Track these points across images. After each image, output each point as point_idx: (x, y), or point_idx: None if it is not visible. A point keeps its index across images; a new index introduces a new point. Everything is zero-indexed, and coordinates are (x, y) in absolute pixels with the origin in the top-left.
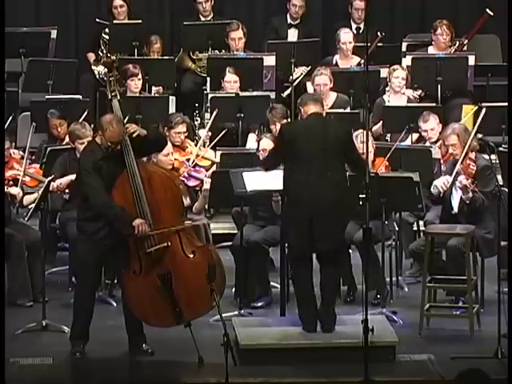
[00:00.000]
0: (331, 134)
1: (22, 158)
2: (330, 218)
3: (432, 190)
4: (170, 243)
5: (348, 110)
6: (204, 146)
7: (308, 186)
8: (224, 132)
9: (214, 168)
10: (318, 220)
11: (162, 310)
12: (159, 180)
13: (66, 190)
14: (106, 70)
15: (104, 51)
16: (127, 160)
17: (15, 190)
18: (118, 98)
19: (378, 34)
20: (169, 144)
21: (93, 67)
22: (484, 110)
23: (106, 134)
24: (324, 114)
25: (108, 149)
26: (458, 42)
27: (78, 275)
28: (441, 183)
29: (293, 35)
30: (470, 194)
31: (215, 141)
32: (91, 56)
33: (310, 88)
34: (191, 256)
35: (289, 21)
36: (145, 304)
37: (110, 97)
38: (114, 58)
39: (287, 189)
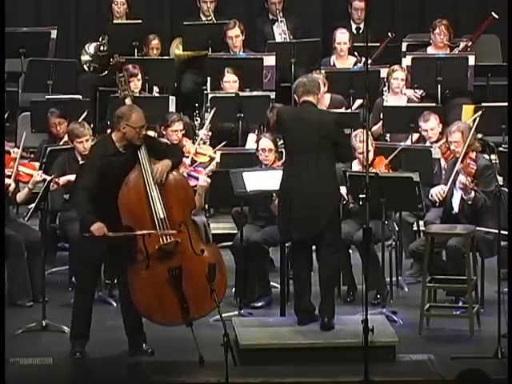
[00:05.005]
0: (314, 123)
1: (23, 157)
2: (308, 208)
3: (429, 197)
4: (180, 239)
5: (343, 109)
6: (204, 144)
7: (292, 175)
8: (223, 144)
9: (213, 164)
10: (296, 208)
11: (169, 306)
12: (172, 178)
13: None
14: (116, 70)
15: (104, 45)
16: (141, 158)
17: (7, 180)
18: (131, 96)
19: (389, 34)
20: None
21: (82, 57)
22: (479, 115)
23: (131, 120)
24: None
25: (122, 146)
26: (461, 44)
27: (78, 274)
28: (436, 192)
29: (278, 30)
30: (472, 195)
31: (217, 148)
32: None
33: None
34: (200, 254)
35: (271, 17)
36: (151, 300)
37: (122, 95)
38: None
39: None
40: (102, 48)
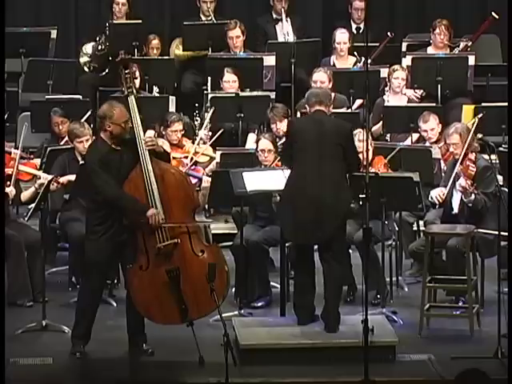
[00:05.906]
0: (330, 130)
1: (22, 157)
2: (317, 211)
3: (429, 199)
4: (179, 240)
5: (344, 109)
6: (204, 144)
7: (303, 179)
8: (221, 132)
9: (212, 164)
10: (304, 212)
11: (167, 307)
12: (173, 177)
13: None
14: (122, 67)
15: (102, 44)
16: (141, 156)
17: (7, 189)
18: (135, 94)
19: (388, 34)
20: (167, 144)
21: (81, 59)
22: (478, 118)
23: (115, 117)
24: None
25: (114, 143)
26: (461, 44)
27: (86, 275)
28: (436, 195)
29: (281, 30)
30: (472, 197)
31: (212, 140)
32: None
33: None
34: (200, 255)
35: (274, 16)
36: (150, 300)
37: (126, 93)
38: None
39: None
40: (99, 47)
